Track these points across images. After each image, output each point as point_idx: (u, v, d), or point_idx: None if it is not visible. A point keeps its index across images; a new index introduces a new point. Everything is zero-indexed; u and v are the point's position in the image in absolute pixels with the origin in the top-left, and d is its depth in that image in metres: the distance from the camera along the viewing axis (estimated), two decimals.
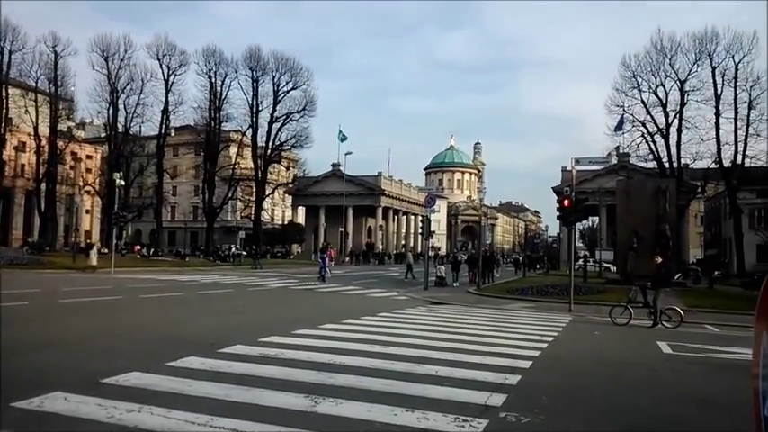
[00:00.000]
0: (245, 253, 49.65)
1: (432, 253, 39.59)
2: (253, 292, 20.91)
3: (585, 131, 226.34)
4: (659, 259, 14.76)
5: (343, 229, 62.64)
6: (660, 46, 42.81)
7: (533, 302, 20.06)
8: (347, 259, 56.51)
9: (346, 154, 63.78)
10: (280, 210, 78.82)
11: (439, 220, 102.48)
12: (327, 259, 29.79)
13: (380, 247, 71.74)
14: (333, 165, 68.57)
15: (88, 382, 6.08)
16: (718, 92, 41.86)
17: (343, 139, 61.33)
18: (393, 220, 78.10)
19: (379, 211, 71.16)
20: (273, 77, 59.38)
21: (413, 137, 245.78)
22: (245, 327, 11.38)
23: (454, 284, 27.62)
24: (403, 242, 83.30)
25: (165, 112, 56.04)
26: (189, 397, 5.68)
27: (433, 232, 33.69)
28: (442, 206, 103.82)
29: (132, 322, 11.69)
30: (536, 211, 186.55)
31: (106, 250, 31.41)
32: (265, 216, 67.15)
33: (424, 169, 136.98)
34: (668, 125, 43.31)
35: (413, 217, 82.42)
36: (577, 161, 19.21)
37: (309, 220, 71.73)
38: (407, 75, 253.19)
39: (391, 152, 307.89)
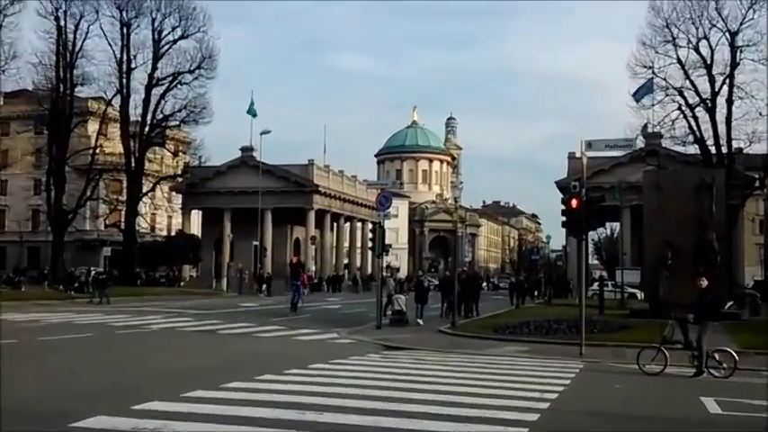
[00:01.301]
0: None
1: (387, 274, 39.73)
2: (124, 337, 20.51)
3: (602, 104, 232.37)
4: (704, 282, 15.17)
5: (258, 243, 62.06)
6: None
7: (530, 344, 20.32)
8: (263, 288, 54.98)
9: (262, 133, 62.18)
10: (164, 215, 77.53)
11: (398, 229, 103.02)
12: (301, 286, 37.35)
13: (313, 267, 71.52)
14: (243, 149, 68.08)
15: None
16: None
17: (254, 114, 60.76)
18: (331, 229, 78.05)
19: (311, 216, 70.93)
20: (153, 21, 58.61)
21: (358, 110, 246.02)
22: (110, 388, 11.14)
23: (419, 321, 27.71)
24: (345, 260, 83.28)
25: None
26: None
27: (389, 246, 33.73)
28: (401, 208, 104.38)
29: None
30: (534, 215, 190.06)
31: None
32: (142, 224, 65.96)
33: (376, 155, 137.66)
34: (715, 94, 44.65)
35: (359, 224, 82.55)
36: (589, 145, 19.62)
37: (208, 230, 70.97)
38: (347, 19, 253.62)
39: (328, 131, 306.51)
